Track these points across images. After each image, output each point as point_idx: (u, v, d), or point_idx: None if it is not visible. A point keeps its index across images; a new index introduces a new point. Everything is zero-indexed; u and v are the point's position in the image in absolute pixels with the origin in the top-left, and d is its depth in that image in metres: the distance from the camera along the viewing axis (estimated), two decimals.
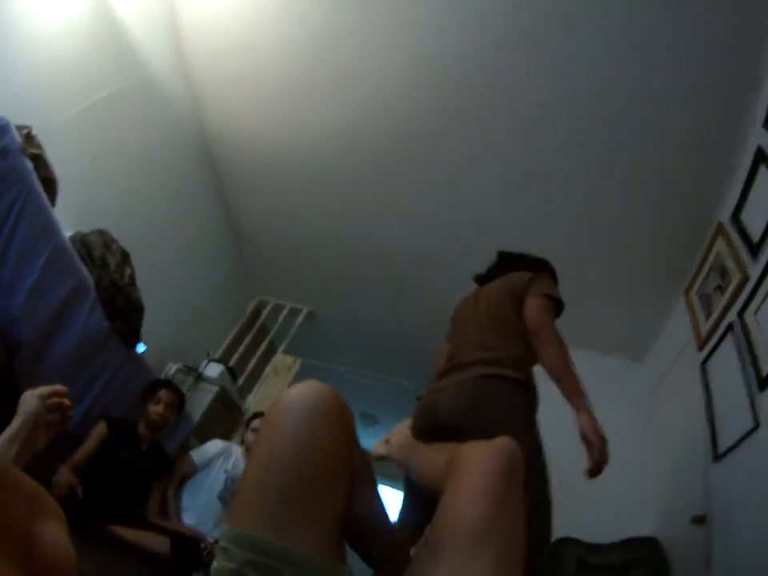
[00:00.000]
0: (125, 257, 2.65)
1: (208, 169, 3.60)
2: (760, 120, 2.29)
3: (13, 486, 0.62)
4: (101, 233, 2.55)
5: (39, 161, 2.13)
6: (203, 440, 2.97)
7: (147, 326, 2.80)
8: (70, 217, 2.39)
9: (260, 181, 3.69)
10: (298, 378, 4.40)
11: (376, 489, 1.12)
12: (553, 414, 3.40)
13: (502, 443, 0.98)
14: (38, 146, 2.16)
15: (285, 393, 0.95)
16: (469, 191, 3.31)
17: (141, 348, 2.82)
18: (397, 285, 4.08)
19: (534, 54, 2.64)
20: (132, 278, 2.68)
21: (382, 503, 1.11)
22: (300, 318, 4.46)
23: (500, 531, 0.83)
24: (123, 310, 2.57)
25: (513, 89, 2.79)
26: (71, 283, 2.26)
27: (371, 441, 5.74)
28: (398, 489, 6.06)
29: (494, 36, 2.62)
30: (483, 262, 3.56)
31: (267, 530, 0.78)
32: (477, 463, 0.96)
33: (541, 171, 3.06)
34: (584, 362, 3.56)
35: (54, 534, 0.64)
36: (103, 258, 2.49)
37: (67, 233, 2.32)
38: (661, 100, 2.58)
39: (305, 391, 0.92)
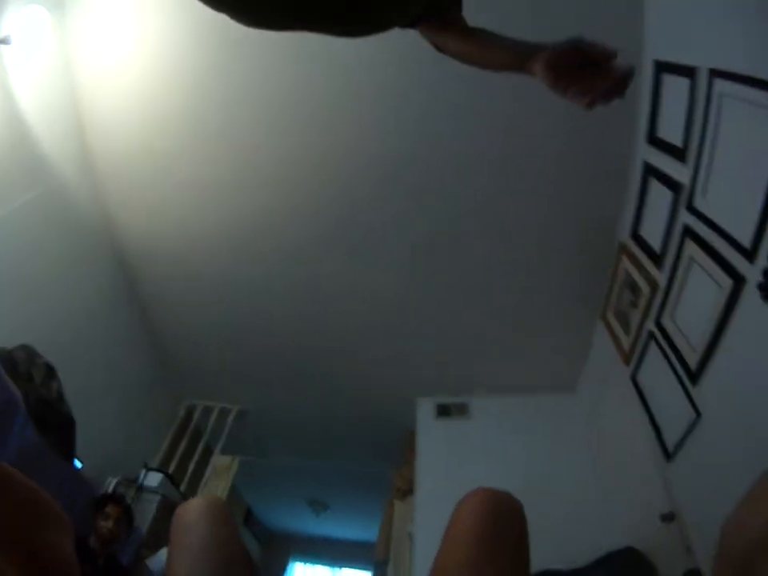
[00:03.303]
0: (50, 371, 2.54)
1: (121, 275, 3.54)
2: (643, 137, 2.54)
3: (18, 494, 0.62)
4: (24, 347, 2.45)
5: None
6: (154, 549, 2.85)
7: (80, 441, 2.69)
8: None
9: (175, 286, 3.66)
10: (240, 476, 4.29)
11: None
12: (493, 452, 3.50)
13: (490, 490, 1.04)
14: None
15: (185, 506, 1.14)
16: (378, 272, 3.45)
17: (77, 464, 2.70)
18: (323, 374, 4.12)
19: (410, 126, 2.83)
20: (60, 392, 2.57)
21: None
22: (231, 417, 4.37)
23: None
24: (55, 424, 2.46)
25: (399, 164, 2.97)
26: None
27: (324, 527, 5.62)
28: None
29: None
30: (401, 344, 3.73)
31: None
32: (462, 511, 1.01)
33: (441, 236, 3.23)
34: (521, 407, 3.74)
35: (59, 541, 0.65)
36: (29, 372, 2.39)
37: None
38: (548, 137, 2.79)
39: (201, 501, 1.15)
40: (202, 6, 0.92)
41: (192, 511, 1.08)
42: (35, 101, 2.64)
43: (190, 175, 3.11)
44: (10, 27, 2.27)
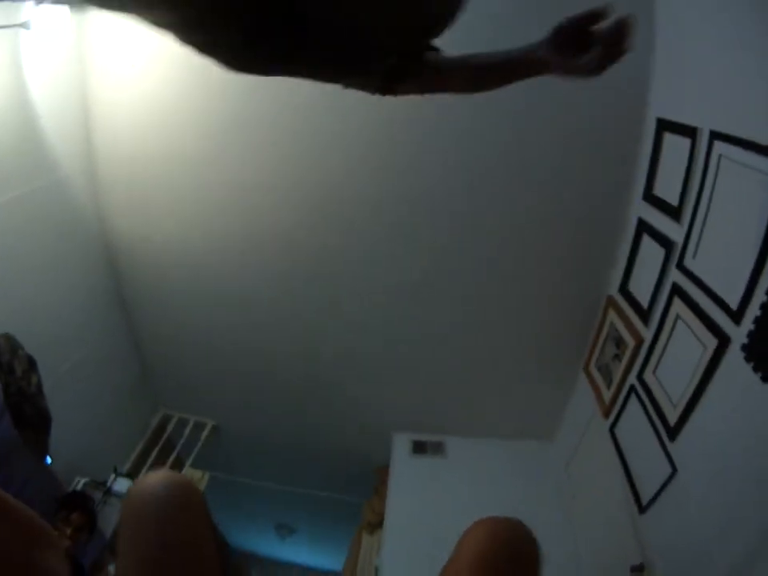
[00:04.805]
0: (31, 364, 2.52)
1: (111, 279, 3.53)
2: (639, 193, 2.60)
3: (11, 516, 0.62)
4: (7, 337, 2.42)
5: None
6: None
7: (52, 436, 2.66)
8: None
9: (163, 294, 3.65)
10: (208, 491, 4.22)
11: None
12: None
13: (499, 520, 0.91)
14: None
15: (141, 486, 0.92)
16: (365, 308, 3.47)
17: (47, 460, 2.66)
18: (302, 401, 4.09)
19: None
20: (39, 386, 2.55)
21: None
22: (205, 432, 4.32)
23: None
24: (31, 419, 2.43)
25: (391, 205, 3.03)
26: None
27: (289, 552, 5.51)
28: None
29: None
30: (383, 379, 3.74)
31: None
32: (465, 544, 0.89)
33: (429, 278, 3.26)
34: (497, 450, 3.73)
35: (52, 561, 0.64)
36: (10, 363, 2.37)
37: None
38: (544, 185, 2.85)
39: (162, 481, 0.91)
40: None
41: (149, 495, 0.88)
42: (46, 91, 2.67)
43: (191, 190, 3.14)
44: (31, 14, 2.28)
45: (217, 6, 0.74)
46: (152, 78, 2.82)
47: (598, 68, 0.90)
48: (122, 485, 3.26)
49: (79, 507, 2.56)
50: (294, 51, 0.86)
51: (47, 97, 2.68)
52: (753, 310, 1.70)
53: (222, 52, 0.86)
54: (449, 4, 0.97)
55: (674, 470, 2.10)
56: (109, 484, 3.23)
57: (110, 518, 3.01)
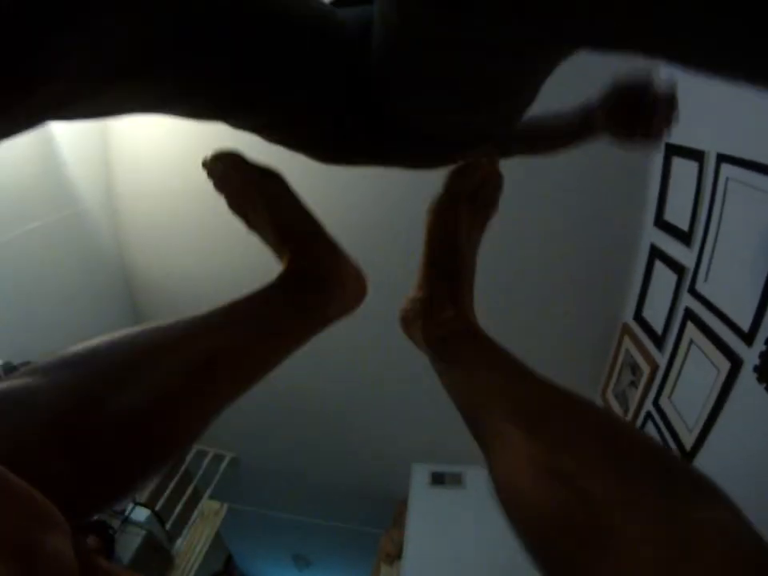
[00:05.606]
0: None
1: (130, 310, 3.59)
2: (651, 219, 2.62)
3: (13, 494, 0.59)
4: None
5: None
6: None
7: None
8: None
9: None
10: (226, 522, 4.22)
11: None
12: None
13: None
14: None
15: None
16: (381, 338, 3.41)
17: None
18: (321, 432, 4.09)
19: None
20: None
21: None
22: (224, 464, 4.33)
23: None
24: None
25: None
26: None
27: None
28: None
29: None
30: (402, 412, 3.71)
31: None
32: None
33: None
34: None
35: (57, 545, 0.60)
36: None
37: None
38: (556, 218, 2.88)
39: None
40: None
41: None
42: (67, 125, 2.72)
43: (210, 226, 3.18)
44: None
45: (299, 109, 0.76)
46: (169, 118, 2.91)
47: (654, 137, 0.89)
48: (139, 514, 3.28)
49: (94, 531, 2.58)
50: (382, 147, 0.87)
51: (68, 130, 2.77)
52: (764, 331, 1.70)
53: (310, 148, 0.88)
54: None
55: None
56: (127, 513, 3.24)
57: (127, 546, 3.02)
